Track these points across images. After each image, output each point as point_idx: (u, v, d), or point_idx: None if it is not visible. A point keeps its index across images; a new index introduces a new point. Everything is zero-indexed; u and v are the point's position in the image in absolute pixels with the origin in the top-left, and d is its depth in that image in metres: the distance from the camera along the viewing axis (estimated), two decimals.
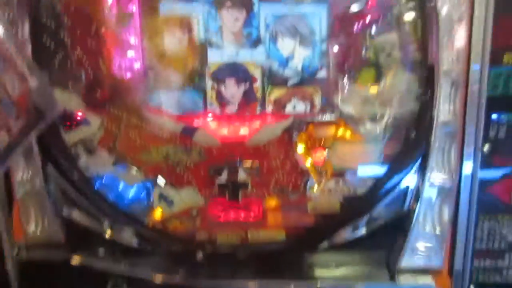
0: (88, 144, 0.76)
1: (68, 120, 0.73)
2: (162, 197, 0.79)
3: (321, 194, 0.77)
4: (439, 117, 0.65)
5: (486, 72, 0.65)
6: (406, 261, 0.74)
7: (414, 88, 0.69)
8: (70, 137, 0.75)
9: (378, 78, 0.70)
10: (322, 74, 0.71)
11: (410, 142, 0.71)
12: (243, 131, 0.74)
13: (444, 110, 0.65)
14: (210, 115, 0.74)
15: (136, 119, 0.74)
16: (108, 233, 0.79)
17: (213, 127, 0.75)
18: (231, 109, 0.73)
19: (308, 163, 0.76)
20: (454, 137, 0.67)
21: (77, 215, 0.77)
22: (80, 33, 0.70)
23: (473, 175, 0.71)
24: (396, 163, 0.73)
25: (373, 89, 0.70)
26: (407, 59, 0.68)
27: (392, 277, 0.74)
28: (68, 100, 0.72)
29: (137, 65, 0.73)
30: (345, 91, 0.71)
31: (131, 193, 0.81)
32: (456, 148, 0.68)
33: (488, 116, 0.66)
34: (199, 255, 0.78)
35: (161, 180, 0.79)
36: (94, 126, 0.74)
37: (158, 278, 0.75)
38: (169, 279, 0.75)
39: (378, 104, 0.71)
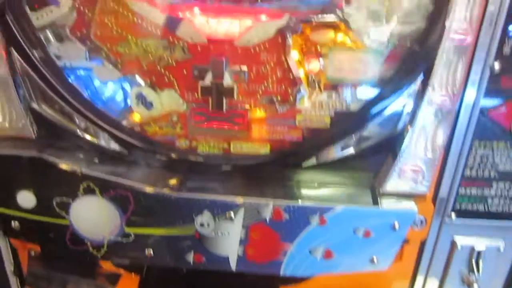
0: (58, 29, 0.68)
1: None
2: (141, 98, 0.73)
3: (312, 107, 0.71)
4: (452, 25, 0.59)
5: None
6: (391, 184, 0.71)
7: (426, 3, 0.62)
8: (38, 17, 0.66)
9: None
10: None
11: (415, 55, 0.66)
12: (233, 27, 0.67)
13: (459, 17, 0.58)
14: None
15: (114, 3, 0.66)
16: (82, 134, 0.73)
17: (200, 20, 0.67)
18: None
19: (301, 71, 0.70)
20: (465, 51, 0.61)
21: (48, 110, 0.71)
22: None
23: (476, 95, 0.66)
24: (396, 79, 0.68)
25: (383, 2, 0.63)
26: None
27: (375, 200, 0.71)
28: None
29: None
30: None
31: (108, 91, 0.75)
32: (464, 64, 0.62)
33: (505, 29, 0.60)
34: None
35: (139, 79, 0.72)
36: (65, 7, 0.66)
37: (136, 185, 0.70)
38: (146, 187, 0.70)
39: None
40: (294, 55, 0.68)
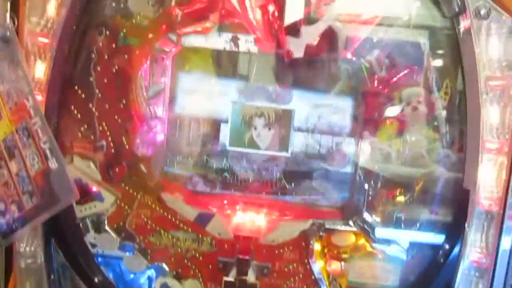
0: (98, 220, 0.73)
1: (82, 193, 0.71)
2: None
3: None
4: (469, 251, 0.62)
5: None
6: None
7: (437, 148, 0.68)
8: (81, 210, 0.72)
9: (400, 133, 0.68)
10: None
11: (435, 267, 0.67)
12: (259, 221, 0.72)
13: (475, 242, 0.62)
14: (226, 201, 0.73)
15: (151, 200, 0.72)
16: None
17: (228, 213, 0.73)
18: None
19: (323, 272, 0.72)
20: (483, 276, 0.62)
21: None
22: (108, 106, 0.71)
23: None
24: None
25: (394, 144, 0.68)
26: (433, 115, 0.67)
27: None
28: (86, 169, 0.71)
29: (160, 137, 0.73)
30: (365, 146, 0.70)
31: (134, 276, 0.77)
32: (484, 285, 0.63)
33: None
34: None
35: (165, 267, 0.75)
36: (108, 203, 0.72)
37: None
38: None
39: (399, 163, 0.68)
40: (316, 257, 0.71)
